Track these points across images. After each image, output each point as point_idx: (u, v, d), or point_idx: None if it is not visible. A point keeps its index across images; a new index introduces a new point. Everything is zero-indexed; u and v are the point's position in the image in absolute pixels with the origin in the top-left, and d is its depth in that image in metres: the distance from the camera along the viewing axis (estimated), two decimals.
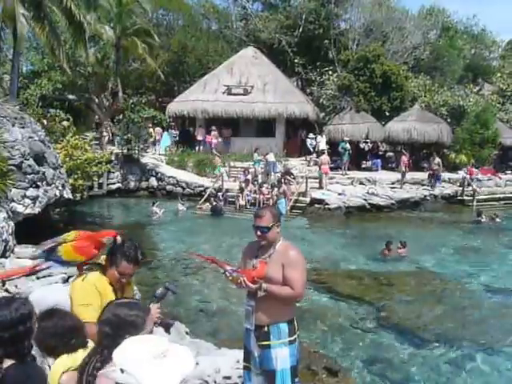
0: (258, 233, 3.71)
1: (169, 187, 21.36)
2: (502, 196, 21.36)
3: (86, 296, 3.01)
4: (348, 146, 22.73)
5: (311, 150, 24.30)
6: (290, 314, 3.79)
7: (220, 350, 5.75)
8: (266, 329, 3.71)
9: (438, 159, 21.80)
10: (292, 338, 3.75)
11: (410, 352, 7.18)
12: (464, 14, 46.98)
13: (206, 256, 4.75)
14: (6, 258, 9.61)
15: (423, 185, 21.56)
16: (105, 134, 23.37)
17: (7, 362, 2.18)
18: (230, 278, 3.70)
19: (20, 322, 2.21)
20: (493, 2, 59.85)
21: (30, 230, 10.80)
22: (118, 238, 3.14)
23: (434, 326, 8.04)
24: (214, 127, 24.72)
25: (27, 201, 11.24)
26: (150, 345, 1.79)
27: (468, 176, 21.22)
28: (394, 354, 7.09)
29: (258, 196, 18.21)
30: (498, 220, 16.97)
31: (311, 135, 24.49)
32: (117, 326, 2.20)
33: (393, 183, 21.70)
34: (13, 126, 11.74)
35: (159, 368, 1.71)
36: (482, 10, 65.66)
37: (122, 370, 1.76)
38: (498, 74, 32.68)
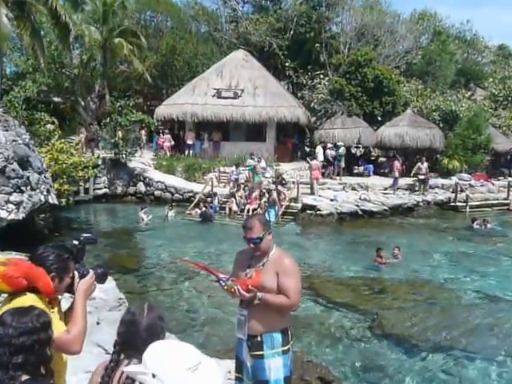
0: (251, 245, 3.62)
1: (157, 192, 20.94)
2: (495, 202, 21.17)
3: None
4: (342, 150, 22.28)
5: (331, 159, 22.76)
6: (284, 323, 3.69)
7: None
8: (259, 338, 3.62)
9: (426, 164, 21.45)
10: (286, 348, 3.65)
11: (404, 360, 7.13)
12: (456, 19, 47.31)
13: (198, 263, 4.48)
14: None
15: (415, 191, 21.21)
16: (81, 136, 22.75)
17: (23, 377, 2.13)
18: (225, 287, 3.57)
19: (41, 329, 2.19)
20: (482, 6, 60.21)
21: (13, 236, 10.51)
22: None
23: (428, 334, 7.95)
24: (167, 130, 24.51)
25: (11, 206, 11.18)
26: (185, 355, 1.77)
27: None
28: (388, 363, 7.02)
29: (246, 201, 17.93)
30: (489, 226, 16.84)
31: (329, 145, 23.13)
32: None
33: (385, 189, 21.45)
34: None
35: (190, 381, 1.70)
36: (473, 14, 66.01)
37: (153, 375, 1.73)
38: (490, 79, 32.63)
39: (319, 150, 22.63)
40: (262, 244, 3.61)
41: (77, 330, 2.68)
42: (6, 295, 2.71)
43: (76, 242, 2.94)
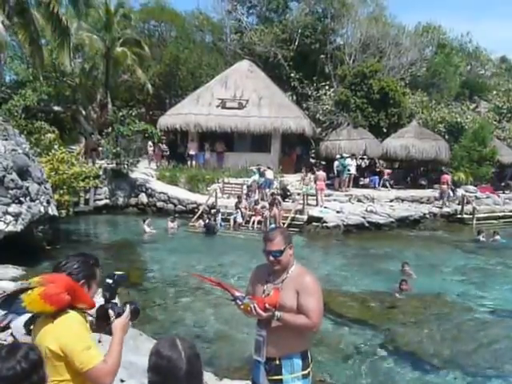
0: (271, 258, 3.41)
1: (159, 204, 20.59)
2: (501, 214, 20.95)
3: (84, 337, 2.50)
4: (348, 162, 21.96)
5: (336, 173, 22.33)
6: (304, 345, 3.47)
7: (222, 382, 5.39)
8: (277, 362, 3.40)
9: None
10: (306, 372, 3.42)
11: (417, 378, 6.91)
12: (458, 32, 47.35)
13: (212, 278, 4.13)
14: None
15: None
16: (81, 145, 22.52)
17: None
18: (242, 305, 3.32)
19: (32, 370, 1.96)
20: (483, 19, 60.49)
21: (10, 249, 10.30)
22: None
23: (440, 350, 7.76)
24: (164, 140, 24.59)
25: (9, 217, 10.90)
26: None
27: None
28: (401, 380, 6.82)
29: (251, 213, 17.75)
30: (497, 238, 16.61)
31: (337, 156, 22.69)
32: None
33: (391, 201, 21.23)
34: None
35: None
36: (474, 27, 66.29)
37: None
38: (494, 92, 32.50)
39: (350, 161, 22.25)
40: (282, 257, 3.40)
41: (113, 361, 2.51)
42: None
43: (110, 281, 2.77)
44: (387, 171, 23.65)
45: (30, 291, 2.46)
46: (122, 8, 24.69)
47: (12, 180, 11.06)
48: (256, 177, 20.16)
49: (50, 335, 2.46)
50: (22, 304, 2.44)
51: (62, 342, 2.42)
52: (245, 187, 19.71)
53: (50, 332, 2.47)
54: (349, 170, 21.98)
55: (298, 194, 19.10)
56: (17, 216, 11.04)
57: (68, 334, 2.45)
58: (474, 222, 19.65)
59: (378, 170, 25.71)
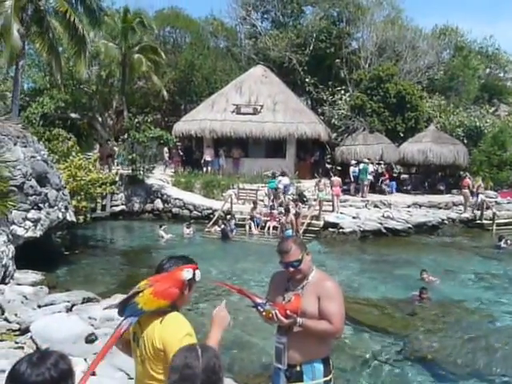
0: (291, 269, 3.38)
1: (175, 209, 20.61)
2: None
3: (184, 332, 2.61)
4: (370, 167, 21.77)
5: (352, 178, 22.34)
6: (326, 351, 3.45)
7: None
8: (298, 368, 3.38)
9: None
10: (328, 379, 3.40)
11: None
12: (478, 34, 46.69)
13: (233, 285, 4.10)
14: (6, 284, 9.26)
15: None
16: (97, 151, 22.68)
17: None
18: (264, 312, 3.31)
19: (61, 379, 1.92)
20: (502, 21, 59.62)
21: (29, 254, 10.38)
22: (198, 272, 2.77)
23: (461, 359, 7.58)
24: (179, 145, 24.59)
25: (28, 223, 10.99)
26: None
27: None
28: None
29: (266, 219, 17.71)
30: None
31: (353, 162, 22.67)
32: None
33: (408, 206, 21.01)
34: (15, 144, 11.47)
35: None
36: (493, 29, 65.37)
37: None
38: None
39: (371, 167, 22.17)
40: (302, 266, 3.38)
41: None
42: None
43: None
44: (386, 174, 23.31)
45: (141, 294, 2.65)
46: (139, 16, 24.82)
47: (31, 186, 11.17)
48: (285, 181, 20.07)
49: (155, 333, 2.61)
50: (138, 306, 2.63)
51: (164, 339, 2.57)
52: (263, 193, 19.59)
53: (154, 331, 2.62)
54: (369, 175, 21.81)
55: (314, 200, 18.95)
56: (36, 222, 11.14)
57: (170, 331, 2.59)
58: (494, 227, 19.33)
59: (394, 175, 25.50)
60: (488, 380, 6.94)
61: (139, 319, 2.68)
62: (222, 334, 2.74)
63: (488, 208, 20.17)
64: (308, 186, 22.25)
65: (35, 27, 17.43)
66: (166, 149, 24.61)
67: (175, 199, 20.69)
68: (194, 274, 2.73)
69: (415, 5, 60.78)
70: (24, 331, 6.90)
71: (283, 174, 20.46)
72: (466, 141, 25.72)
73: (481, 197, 20.77)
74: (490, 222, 19.66)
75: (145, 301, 2.63)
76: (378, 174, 25.40)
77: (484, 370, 7.21)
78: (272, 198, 19.61)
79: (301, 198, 19.13)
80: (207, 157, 24.48)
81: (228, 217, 18.13)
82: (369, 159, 22.36)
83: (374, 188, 23.36)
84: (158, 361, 2.58)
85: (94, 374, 5.03)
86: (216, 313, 2.80)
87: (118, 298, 8.28)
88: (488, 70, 36.00)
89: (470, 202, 20.76)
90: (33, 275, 10.30)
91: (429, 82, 30.49)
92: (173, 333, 2.57)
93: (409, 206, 21.00)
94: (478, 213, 20.33)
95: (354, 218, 18.46)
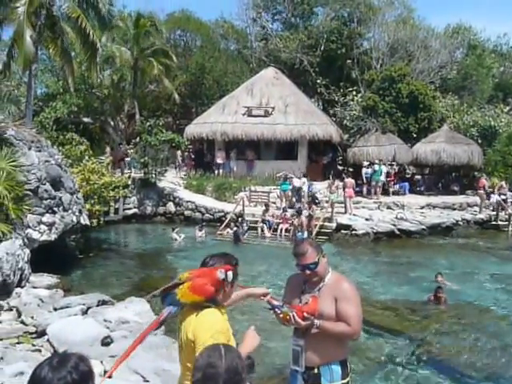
0: (307, 272, 3.38)
1: (187, 212, 20.63)
2: None
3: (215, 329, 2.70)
4: (383, 169, 21.64)
5: (364, 179, 22.24)
6: (343, 353, 3.45)
7: None
8: (316, 370, 3.37)
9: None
10: (345, 381, 3.39)
11: None
12: (491, 32, 46.17)
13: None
14: (22, 287, 9.39)
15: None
16: (107, 155, 22.76)
17: None
18: (281, 314, 3.31)
19: (82, 381, 1.93)
20: None
21: (44, 257, 10.49)
22: (229, 274, 2.87)
23: (476, 361, 7.57)
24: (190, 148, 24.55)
25: (43, 227, 11.10)
26: None
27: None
28: None
29: (278, 221, 17.64)
30: None
31: (365, 163, 22.57)
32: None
33: (422, 207, 20.85)
34: (29, 149, 11.61)
35: None
36: (507, 28, 64.52)
37: None
38: None
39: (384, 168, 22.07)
40: (318, 268, 3.38)
41: None
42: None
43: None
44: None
45: (181, 286, 2.81)
46: (152, 21, 24.93)
47: (46, 190, 11.27)
48: (301, 182, 20.05)
49: (190, 325, 2.74)
50: (177, 297, 2.81)
51: (196, 332, 2.69)
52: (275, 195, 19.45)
53: (191, 323, 2.76)
54: (381, 175, 21.66)
55: (327, 202, 18.85)
56: (50, 225, 11.23)
57: (202, 326, 2.70)
58: (510, 228, 19.17)
59: (407, 176, 25.28)
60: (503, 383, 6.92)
61: (182, 308, 2.83)
62: (249, 351, 2.76)
63: (504, 209, 19.95)
64: (320, 187, 22.15)
65: (48, 32, 17.59)
66: (179, 152, 24.64)
67: (187, 202, 20.71)
68: (226, 275, 2.82)
69: (427, 4, 60.38)
70: (41, 334, 6.96)
71: (305, 176, 20.61)
72: (480, 141, 25.39)
73: (496, 197, 20.53)
74: (506, 222, 19.46)
75: (182, 293, 2.80)
76: (391, 175, 25.29)
77: (502, 373, 7.18)
78: (290, 198, 19.61)
79: (313, 199, 19.03)
80: (219, 159, 24.47)
81: (240, 219, 18.10)
82: (381, 160, 22.18)
83: (387, 190, 23.21)
84: (190, 350, 2.68)
85: (110, 376, 5.04)
86: (250, 331, 2.86)
87: (134, 300, 8.30)
88: (502, 69, 35.55)
89: (485, 202, 20.51)
90: (48, 278, 10.43)
91: (442, 82, 30.21)
92: (204, 328, 2.67)
93: (422, 207, 20.84)
94: (494, 213, 20.09)
95: (366, 219, 18.37)
